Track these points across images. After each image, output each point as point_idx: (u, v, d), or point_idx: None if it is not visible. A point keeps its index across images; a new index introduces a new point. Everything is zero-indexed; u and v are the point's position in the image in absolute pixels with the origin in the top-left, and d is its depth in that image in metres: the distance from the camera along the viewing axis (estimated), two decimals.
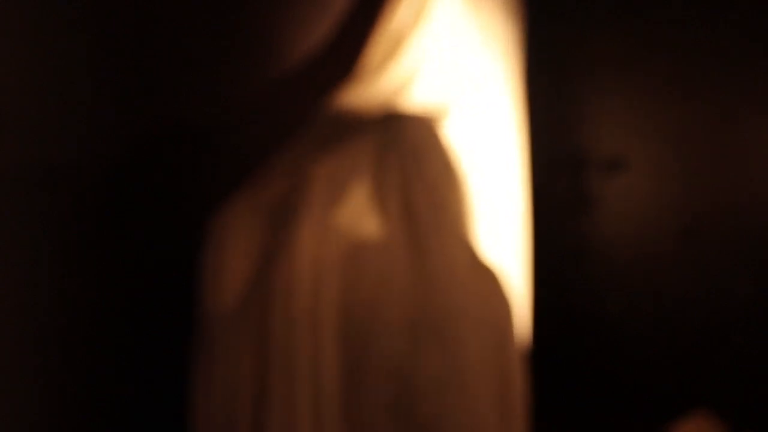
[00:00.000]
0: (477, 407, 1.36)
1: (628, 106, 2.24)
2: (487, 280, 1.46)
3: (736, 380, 2.08)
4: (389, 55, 1.52)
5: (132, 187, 1.39)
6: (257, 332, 1.31)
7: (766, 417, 2.00)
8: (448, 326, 1.35)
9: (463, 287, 1.40)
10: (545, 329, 2.18)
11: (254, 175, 1.46)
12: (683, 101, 2.14)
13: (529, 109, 2.19)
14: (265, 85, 1.56)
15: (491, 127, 1.91)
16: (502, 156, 1.98)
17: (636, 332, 2.23)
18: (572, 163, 2.32)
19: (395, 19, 1.52)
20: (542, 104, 2.23)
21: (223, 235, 1.37)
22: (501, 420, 1.41)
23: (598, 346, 2.29)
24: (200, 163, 1.48)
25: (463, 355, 1.36)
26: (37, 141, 1.24)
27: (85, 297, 1.32)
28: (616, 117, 2.26)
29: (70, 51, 1.27)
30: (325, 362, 1.28)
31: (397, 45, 1.52)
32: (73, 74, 1.28)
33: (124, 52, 1.35)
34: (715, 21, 2.08)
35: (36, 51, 1.23)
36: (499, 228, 1.89)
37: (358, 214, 1.39)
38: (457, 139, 1.63)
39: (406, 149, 1.47)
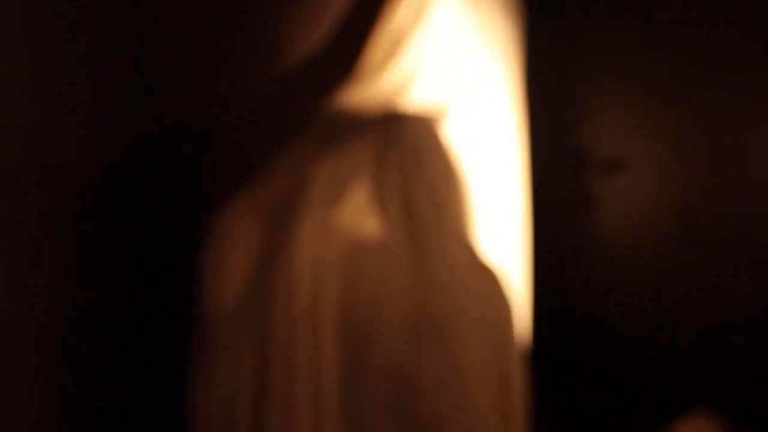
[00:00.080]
0: (477, 407, 1.36)
1: (628, 106, 2.24)
2: (487, 280, 1.46)
3: (736, 380, 2.08)
4: (389, 55, 1.52)
5: (132, 187, 1.39)
6: (257, 332, 1.31)
7: (766, 417, 2.00)
8: (448, 326, 1.35)
9: (463, 287, 1.40)
10: (545, 329, 2.18)
11: (254, 175, 1.46)
12: (683, 101, 2.14)
13: (529, 109, 2.19)
14: (265, 85, 1.56)
15: (491, 127, 1.91)
16: (502, 156, 1.98)
17: (636, 332, 2.23)
18: (572, 163, 2.32)
19: (395, 19, 1.52)
20: (542, 104, 2.23)
21: (223, 235, 1.37)
22: (501, 420, 1.41)
23: (598, 346, 2.29)
24: (200, 163, 1.48)
25: (463, 355, 1.36)
26: (37, 141, 1.24)
27: (85, 297, 1.32)
28: (616, 117, 2.26)
29: (70, 51, 1.27)
30: (325, 362, 1.28)
31: (397, 45, 1.52)
32: (73, 74, 1.28)
33: (124, 52, 1.35)
34: (715, 21, 2.08)
35: (36, 51, 1.23)
36: (499, 228, 1.89)
37: (358, 214, 1.39)
38: (457, 139, 1.63)
39: (406, 149, 1.47)
